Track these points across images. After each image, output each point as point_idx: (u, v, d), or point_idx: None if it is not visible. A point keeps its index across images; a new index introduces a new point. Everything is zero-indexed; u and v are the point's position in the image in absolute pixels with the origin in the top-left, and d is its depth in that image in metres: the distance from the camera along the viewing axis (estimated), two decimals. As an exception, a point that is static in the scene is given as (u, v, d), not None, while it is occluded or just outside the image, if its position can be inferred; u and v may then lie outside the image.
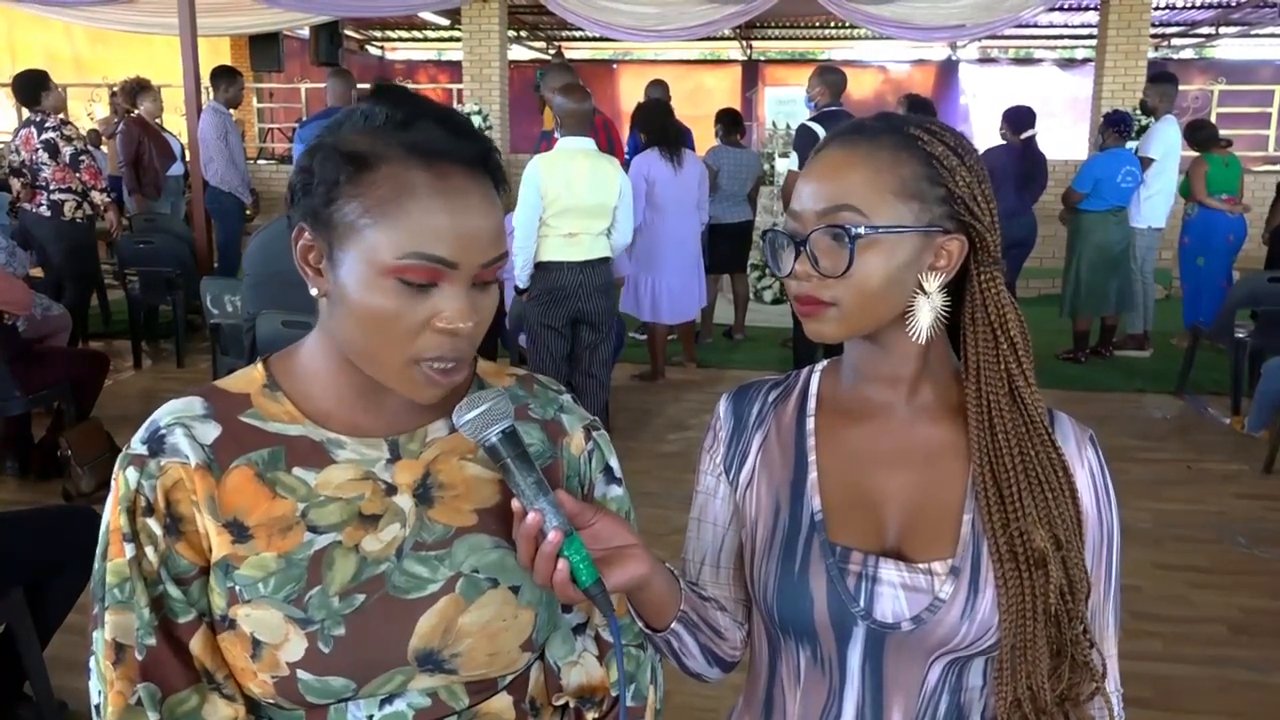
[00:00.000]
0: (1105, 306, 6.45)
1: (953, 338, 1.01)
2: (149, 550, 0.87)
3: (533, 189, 4.03)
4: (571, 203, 4.08)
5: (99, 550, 0.88)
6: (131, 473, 0.87)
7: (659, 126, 5.64)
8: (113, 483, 0.89)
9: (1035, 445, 0.95)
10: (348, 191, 0.83)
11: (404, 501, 0.92)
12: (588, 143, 4.21)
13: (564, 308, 4.17)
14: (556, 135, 4.29)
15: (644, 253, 5.63)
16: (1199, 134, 6.65)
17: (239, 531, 0.88)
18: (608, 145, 5.73)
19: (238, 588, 0.87)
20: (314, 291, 0.89)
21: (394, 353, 0.85)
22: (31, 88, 5.93)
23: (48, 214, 5.96)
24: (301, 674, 0.86)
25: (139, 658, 0.86)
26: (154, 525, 0.87)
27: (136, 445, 0.89)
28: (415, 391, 0.88)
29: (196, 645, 0.88)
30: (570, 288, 4.14)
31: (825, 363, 1.09)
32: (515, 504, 0.87)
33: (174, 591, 0.87)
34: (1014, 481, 0.94)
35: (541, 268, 4.15)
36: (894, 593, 0.95)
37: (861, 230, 0.90)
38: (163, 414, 0.91)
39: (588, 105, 4.23)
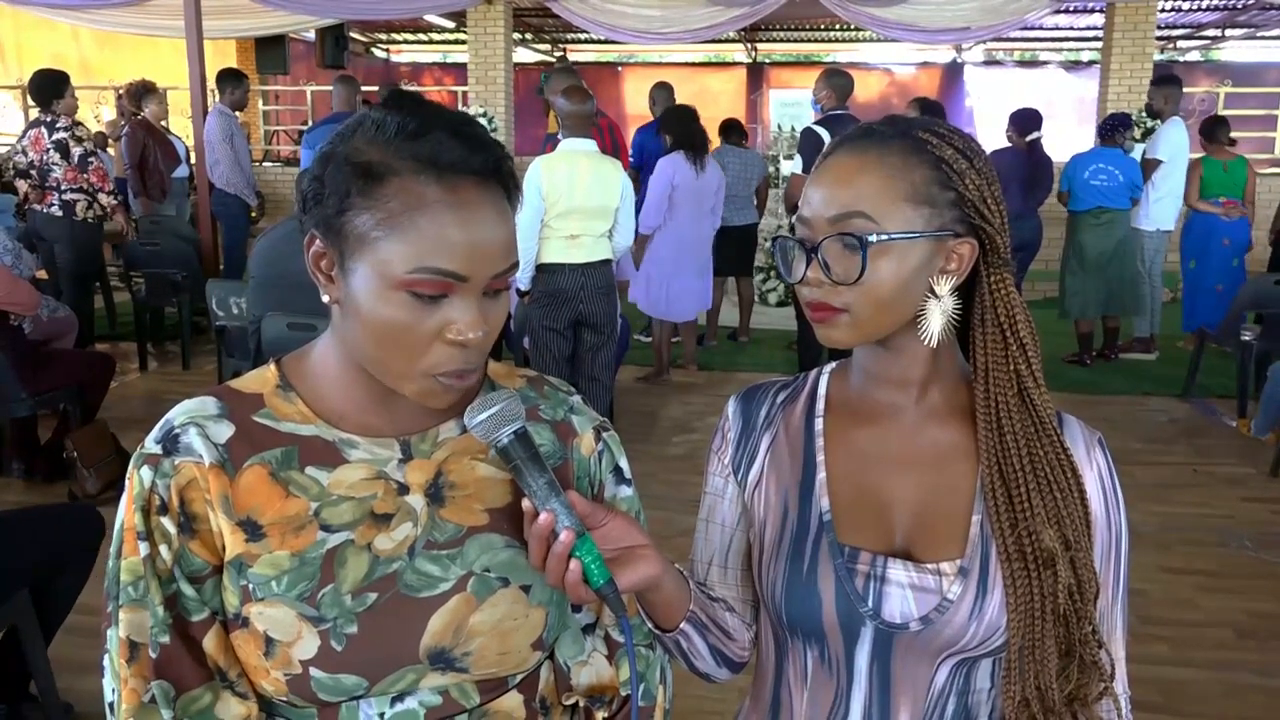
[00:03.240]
0: (1093, 308, 6.39)
1: (961, 340, 1.01)
2: (163, 549, 0.87)
3: (534, 191, 4.03)
4: (574, 204, 4.08)
5: (113, 549, 0.89)
6: (146, 471, 0.88)
7: (686, 131, 5.78)
8: (126, 482, 0.90)
9: (1044, 446, 0.95)
10: (359, 203, 0.83)
11: (416, 501, 0.93)
12: (589, 144, 4.21)
13: (565, 310, 4.18)
14: (559, 137, 4.29)
15: (660, 251, 5.81)
16: (1207, 129, 6.53)
17: (252, 530, 0.88)
18: (612, 148, 5.76)
19: (251, 586, 0.88)
20: (325, 299, 0.90)
21: (405, 363, 0.86)
22: (49, 88, 5.92)
23: (59, 214, 5.98)
24: (314, 671, 0.87)
25: (153, 655, 0.86)
26: (168, 524, 0.87)
27: (151, 445, 0.90)
28: (427, 399, 0.89)
29: (210, 643, 0.88)
30: (571, 290, 4.14)
31: (834, 364, 1.09)
32: (527, 504, 0.88)
33: (188, 590, 0.88)
34: (1022, 482, 0.94)
35: (543, 269, 4.16)
36: (902, 593, 0.95)
37: (874, 238, 0.91)
38: (177, 413, 0.91)
39: (589, 106, 4.24)
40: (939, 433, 1.00)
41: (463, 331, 0.85)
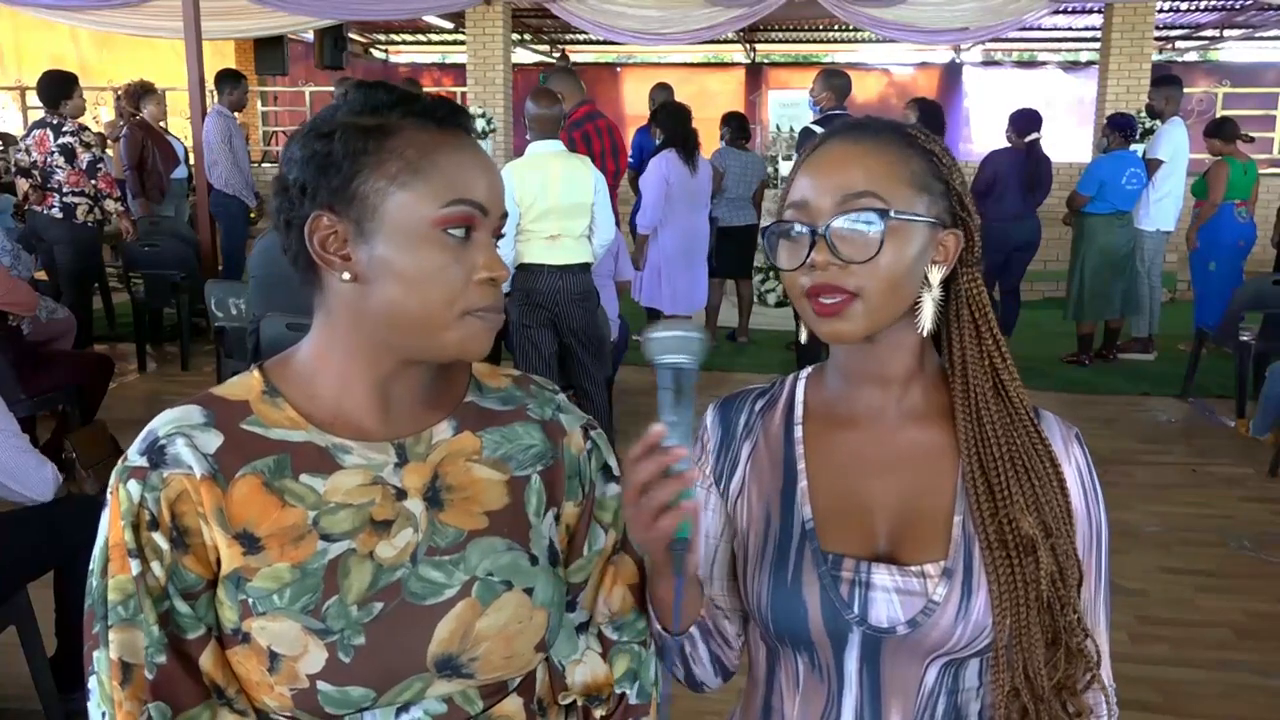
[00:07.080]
0: (1110, 310, 6.43)
1: (935, 340, 1.02)
2: (155, 565, 0.85)
3: (509, 196, 4.04)
4: (550, 204, 4.11)
5: (97, 567, 0.85)
6: (133, 485, 0.85)
7: (679, 130, 5.90)
8: (109, 497, 0.87)
9: (1021, 436, 0.97)
10: (371, 162, 0.86)
11: (415, 506, 0.91)
12: (556, 145, 4.27)
13: (541, 311, 4.22)
14: (528, 139, 4.34)
15: (667, 248, 6.05)
16: (1225, 130, 6.49)
17: (250, 543, 0.86)
18: (611, 148, 5.77)
19: (251, 600, 0.85)
20: (346, 276, 0.87)
21: (447, 308, 0.87)
22: (57, 89, 5.89)
23: (60, 216, 5.97)
24: (322, 685, 0.85)
25: (149, 676, 0.84)
26: (159, 539, 0.85)
27: (135, 457, 0.86)
28: (470, 342, 0.89)
29: (206, 661, 0.86)
30: (548, 292, 4.17)
31: (809, 370, 1.09)
32: (658, 427, 0.85)
33: (182, 607, 0.85)
34: (1001, 471, 0.95)
35: (522, 269, 4.20)
36: (887, 597, 0.95)
37: (892, 213, 0.91)
38: (160, 424, 0.88)
39: (555, 110, 4.29)
40: (918, 434, 1.00)
41: (490, 268, 0.88)
